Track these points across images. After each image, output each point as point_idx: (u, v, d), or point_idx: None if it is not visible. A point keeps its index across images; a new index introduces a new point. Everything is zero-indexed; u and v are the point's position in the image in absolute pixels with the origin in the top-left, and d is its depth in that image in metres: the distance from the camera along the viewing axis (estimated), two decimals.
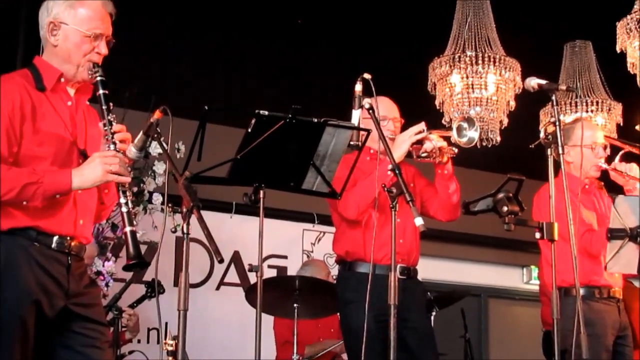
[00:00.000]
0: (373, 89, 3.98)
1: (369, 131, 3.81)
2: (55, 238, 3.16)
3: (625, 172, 4.86)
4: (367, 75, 3.98)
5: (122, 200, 3.18)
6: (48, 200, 3.11)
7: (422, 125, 4.37)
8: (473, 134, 4.32)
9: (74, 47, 3.27)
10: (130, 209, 3.20)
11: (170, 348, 4.72)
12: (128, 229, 3.16)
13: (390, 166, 3.81)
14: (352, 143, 3.80)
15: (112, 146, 3.20)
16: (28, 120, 3.14)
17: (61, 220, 3.18)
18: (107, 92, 3.26)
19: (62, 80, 3.30)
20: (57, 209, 3.17)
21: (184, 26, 6.79)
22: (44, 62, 3.31)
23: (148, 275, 6.90)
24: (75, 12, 3.28)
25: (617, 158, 4.95)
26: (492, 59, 6.37)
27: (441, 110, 6.60)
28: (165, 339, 4.71)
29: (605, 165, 4.89)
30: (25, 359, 3.07)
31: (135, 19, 5.64)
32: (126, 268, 3.17)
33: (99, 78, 3.27)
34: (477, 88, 6.45)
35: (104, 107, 3.25)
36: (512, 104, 6.55)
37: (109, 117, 3.24)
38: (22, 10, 5.99)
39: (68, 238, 3.19)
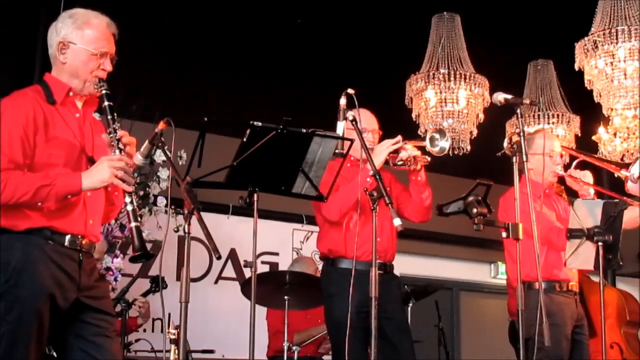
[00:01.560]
0: (356, 102, 3.97)
1: (352, 141, 3.81)
2: (68, 237, 3.14)
3: (580, 179, 4.86)
4: (350, 91, 3.97)
5: (127, 200, 3.16)
6: (61, 201, 3.09)
7: (398, 137, 4.37)
8: (444, 143, 4.32)
9: (82, 64, 3.26)
10: (136, 207, 3.17)
11: (173, 336, 4.70)
12: (133, 224, 3.15)
13: (371, 172, 3.81)
14: (337, 151, 3.79)
15: (117, 151, 3.18)
16: (40, 130, 3.12)
17: (73, 221, 3.16)
18: (111, 103, 3.25)
19: (71, 94, 3.28)
20: (69, 210, 3.15)
21: (185, 44, 6.78)
22: (53, 78, 3.29)
23: (153, 271, 6.88)
24: (82, 32, 3.26)
25: (573, 165, 4.95)
26: (463, 76, 6.41)
27: (417, 122, 6.62)
28: (169, 328, 4.70)
29: (561, 172, 4.89)
30: (41, 347, 3.07)
31: (141, 38, 5.63)
32: (132, 259, 3.15)
33: (104, 91, 3.25)
34: (450, 102, 6.48)
35: (109, 117, 3.23)
36: (481, 116, 6.58)
37: (114, 126, 3.22)
38: (39, 31, 5.96)
39: (79, 237, 3.17)
